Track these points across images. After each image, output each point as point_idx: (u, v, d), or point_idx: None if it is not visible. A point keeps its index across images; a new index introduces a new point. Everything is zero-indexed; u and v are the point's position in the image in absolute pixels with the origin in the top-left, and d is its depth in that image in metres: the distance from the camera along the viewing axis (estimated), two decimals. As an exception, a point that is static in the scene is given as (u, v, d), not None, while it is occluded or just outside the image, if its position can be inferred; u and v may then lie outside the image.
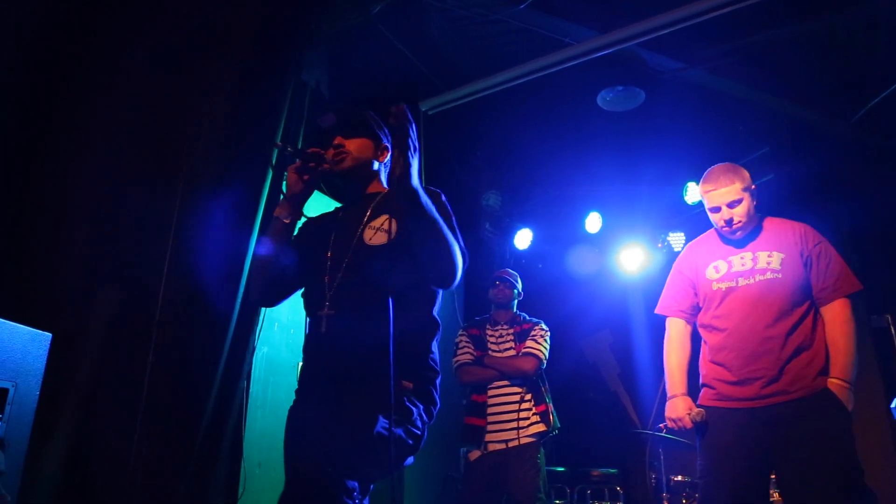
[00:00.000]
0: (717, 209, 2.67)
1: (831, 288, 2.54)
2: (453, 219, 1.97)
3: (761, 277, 2.58)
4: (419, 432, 1.88)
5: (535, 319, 3.97)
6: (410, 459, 1.92)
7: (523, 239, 6.12)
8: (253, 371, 3.47)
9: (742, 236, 2.69)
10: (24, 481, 2.03)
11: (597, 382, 6.41)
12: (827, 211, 4.57)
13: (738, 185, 2.62)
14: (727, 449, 2.50)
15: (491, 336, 3.92)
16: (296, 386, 2.00)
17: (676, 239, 5.69)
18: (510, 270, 4.16)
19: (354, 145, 2.07)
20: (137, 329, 2.88)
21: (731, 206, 2.63)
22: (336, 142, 2.06)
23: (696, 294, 2.78)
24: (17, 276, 2.80)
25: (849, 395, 2.42)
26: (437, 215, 1.82)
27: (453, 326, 4.21)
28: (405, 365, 1.82)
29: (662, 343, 2.86)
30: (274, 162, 3.21)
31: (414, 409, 1.86)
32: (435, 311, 1.99)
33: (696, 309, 2.78)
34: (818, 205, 4.58)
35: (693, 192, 5.34)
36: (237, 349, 3.14)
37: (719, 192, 2.64)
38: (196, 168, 3.11)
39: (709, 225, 2.83)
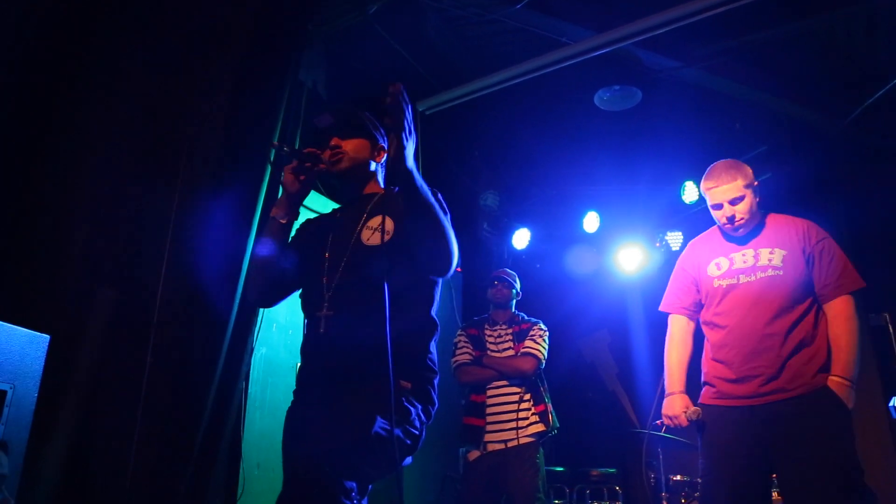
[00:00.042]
0: (719, 206, 2.66)
1: (834, 285, 2.53)
2: (449, 217, 1.97)
3: (762, 275, 2.57)
4: (417, 432, 1.88)
5: (533, 319, 3.97)
6: (409, 460, 1.92)
7: (521, 239, 6.12)
8: (251, 372, 3.47)
9: (744, 233, 2.68)
10: (24, 483, 2.02)
11: (595, 382, 6.41)
12: (825, 210, 4.56)
13: (740, 182, 2.61)
14: (726, 447, 2.50)
15: (489, 336, 3.91)
16: (294, 387, 2.00)
17: (674, 238, 5.70)
18: (508, 270, 4.16)
19: (351, 146, 2.07)
20: (136, 330, 2.88)
21: (733, 202, 2.62)
22: (333, 142, 2.06)
23: (698, 291, 2.77)
24: (16, 277, 2.80)
25: (849, 393, 2.40)
26: (432, 199, 1.81)
27: (452, 326, 4.21)
28: (403, 365, 1.81)
29: (660, 342, 2.85)
30: (271, 162, 3.22)
31: (412, 409, 1.86)
32: (433, 311, 1.99)
33: (699, 306, 2.77)
34: (816, 204, 4.57)
35: (691, 192, 5.35)
36: (236, 350, 3.14)
37: (721, 189, 2.63)
38: (195, 168, 3.11)
39: (709, 223, 2.82)
